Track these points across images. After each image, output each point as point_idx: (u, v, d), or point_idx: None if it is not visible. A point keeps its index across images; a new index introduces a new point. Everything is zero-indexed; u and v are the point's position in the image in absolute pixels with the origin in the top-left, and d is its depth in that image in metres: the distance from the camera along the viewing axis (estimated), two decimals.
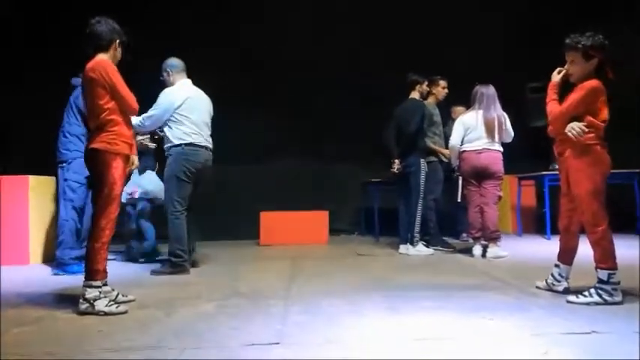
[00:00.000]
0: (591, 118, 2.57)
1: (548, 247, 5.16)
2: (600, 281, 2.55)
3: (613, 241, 2.57)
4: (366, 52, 6.68)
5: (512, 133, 4.59)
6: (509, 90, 5.02)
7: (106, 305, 2.55)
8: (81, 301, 2.56)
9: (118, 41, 2.76)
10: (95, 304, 2.54)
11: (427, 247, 4.85)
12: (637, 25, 6.13)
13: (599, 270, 2.56)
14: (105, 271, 2.69)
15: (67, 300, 2.82)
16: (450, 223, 5.89)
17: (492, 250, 4.37)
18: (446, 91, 5.28)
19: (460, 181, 4.93)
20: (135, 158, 2.94)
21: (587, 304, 2.51)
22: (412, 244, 4.77)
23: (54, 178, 4.34)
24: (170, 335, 2.13)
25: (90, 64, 2.65)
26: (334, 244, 6.00)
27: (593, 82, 2.57)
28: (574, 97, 2.62)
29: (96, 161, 2.65)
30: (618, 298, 2.51)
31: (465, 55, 6.56)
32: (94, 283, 2.58)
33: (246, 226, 6.31)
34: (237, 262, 4.53)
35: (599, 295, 2.52)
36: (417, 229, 4.77)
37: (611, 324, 2.15)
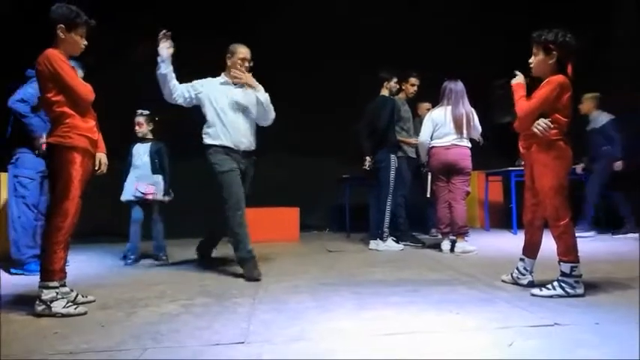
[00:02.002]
0: (558, 116, 2.61)
1: (514, 242, 5.25)
2: (563, 274, 2.60)
3: (575, 235, 2.62)
4: (339, 49, 6.65)
5: (480, 129, 4.66)
6: (479, 86, 5.10)
7: (64, 307, 2.45)
8: (37, 302, 2.45)
9: (62, 26, 2.55)
10: (52, 305, 2.44)
11: (397, 242, 4.88)
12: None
13: (561, 263, 2.61)
14: (63, 271, 2.59)
15: (23, 301, 2.70)
16: (420, 218, 5.94)
17: (460, 245, 4.42)
18: (415, 88, 5.30)
19: (429, 177, 4.96)
20: (103, 157, 2.78)
21: (551, 296, 2.56)
22: (382, 239, 4.79)
23: (5, 173, 4.12)
24: (130, 337, 2.05)
25: (38, 58, 2.53)
26: (305, 240, 5.97)
27: (559, 77, 2.61)
28: (541, 93, 2.65)
29: (51, 156, 2.54)
30: (580, 291, 2.57)
31: (437, 51, 6.61)
32: (51, 284, 2.48)
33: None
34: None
35: (562, 288, 2.57)
36: (386, 224, 4.79)
37: (572, 316, 2.19)
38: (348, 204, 6.42)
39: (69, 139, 2.52)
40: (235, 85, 3.64)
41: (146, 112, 4.39)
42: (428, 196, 5.00)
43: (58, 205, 2.50)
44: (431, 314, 2.30)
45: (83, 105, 2.59)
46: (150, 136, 4.41)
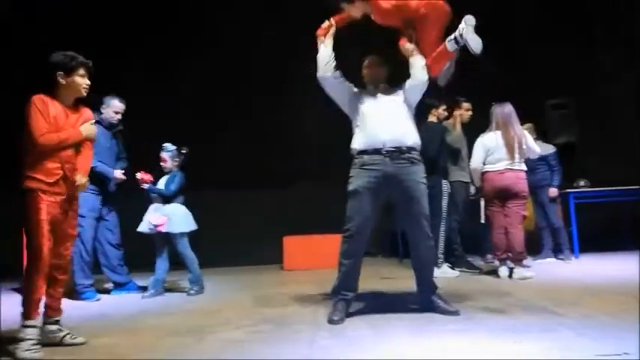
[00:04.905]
0: None
1: (574, 266, 5.09)
2: None
3: None
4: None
5: (538, 150, 4.61)
6: (528, 107, 5.08)
7: (26, 349, 2.40)
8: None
9: (61, 73, 2.66)
10: (18, 345, 2.42)
11: (452, 268, 4.84)
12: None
13: None
14: (56, 310, 2.69)
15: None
16: (475, 244, 5.85)
17: (519, 272, 4.33)
18: (470, 113, 5.22)
19: (482, 203, 4.92)
20: (77, 177, 2.72)
21: None
22: (437, 266, 4.75)
23: None
24: None
25: None
26: None
27: None
28: None
29: (21, 200, 2.61)
30: None
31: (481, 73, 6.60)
32: (27, 322, 2.50)
33: (270, 251, 6.38)
34: (262, 287, 4.58)
35: None
36: (440, 250, 4.76)
37: None
38: (400, 229, 6.41)
39: (27, 182, 2.58)
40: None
41: (171, 147, 4.36)
42: (482, 221, 4.94)
43: (28, 250, 2.55)
44: (489, 342, 2.29)
45: (38, 148, 2.58)
46: (175, 170, 4.35)
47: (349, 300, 3.11)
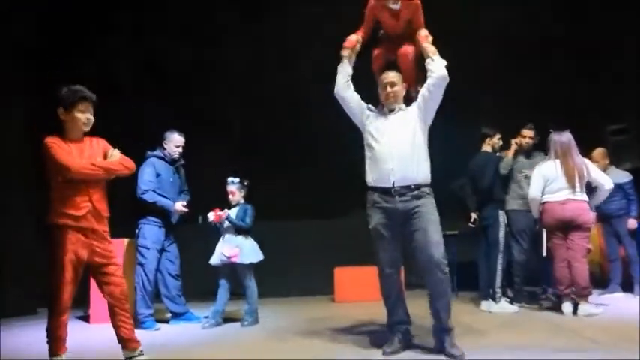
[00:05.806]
0: None
1: None
2: None
3: None
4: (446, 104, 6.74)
5: (607, 179, 4.38)
6: (587, 134, 4.91)
7: None
8: None
9: (61, 109, 2.67)
10: None
11: (511, 303, 4.64)
12: None
13: None
14: (135, 340, 2.84)
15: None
16: (534, 277, 5.59)
17: (584, 308, 4.09)
18: (527, 140, 4.97)
19: (544, 234, 4.71)
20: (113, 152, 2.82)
21: None
22: (494, 299, 4.58)
23: (125, 239, 4.54)
24: None
25: None
26: (411, 299, 5.69)
27: None
28: None
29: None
30: None
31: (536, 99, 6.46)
32: (54, 358, 2.61)
33: (321, 282, 6.36)
34: (314, 319, 4.55)
35: None
36: (497, 284, 4.59)
37: None
38: (455, 261, 6.23)
39: (54, 218, 2.62)
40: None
41: (236, 179, 4.42)
42: (544, 254, 4.74)
43: (50, 287, 2.57)
44: None
45: (70, 178, 2.60)
46: (242, 202, 4.43)
47: (404, 332, 3.09)
